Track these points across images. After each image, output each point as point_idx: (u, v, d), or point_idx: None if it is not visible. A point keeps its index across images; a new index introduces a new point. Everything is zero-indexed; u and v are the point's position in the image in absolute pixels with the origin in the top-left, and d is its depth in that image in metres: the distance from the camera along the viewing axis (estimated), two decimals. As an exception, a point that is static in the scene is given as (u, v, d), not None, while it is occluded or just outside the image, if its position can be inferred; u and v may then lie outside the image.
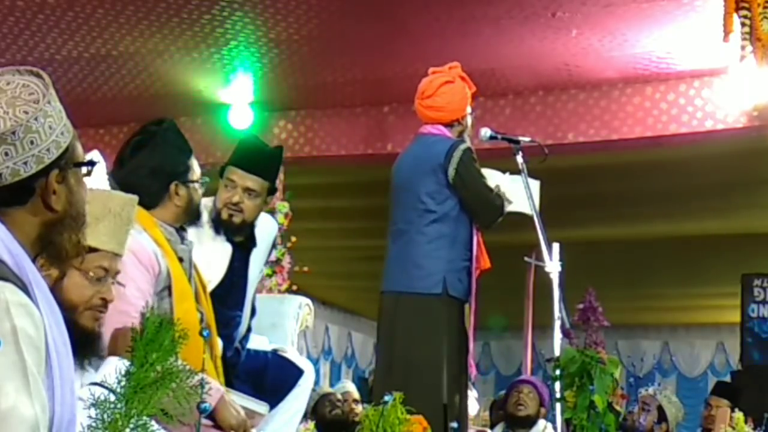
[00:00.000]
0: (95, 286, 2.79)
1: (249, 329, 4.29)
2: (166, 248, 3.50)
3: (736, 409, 4.89)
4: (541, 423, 6.29)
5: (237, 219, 4.05)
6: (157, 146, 3.54)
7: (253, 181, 4.05)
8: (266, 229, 4.37)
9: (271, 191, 4.15)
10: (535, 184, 5.30)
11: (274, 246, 4.50)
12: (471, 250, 5.01)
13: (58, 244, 2.01)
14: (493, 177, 5.19)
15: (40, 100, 1.99)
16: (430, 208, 4.99)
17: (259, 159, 4.12)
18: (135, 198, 2.98)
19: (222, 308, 3.81)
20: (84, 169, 2.06)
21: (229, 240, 4.11)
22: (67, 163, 2.02)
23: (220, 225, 4.02)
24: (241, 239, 4.14)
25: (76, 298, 2.74)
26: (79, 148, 2.06)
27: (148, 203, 3.53)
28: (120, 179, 3.56)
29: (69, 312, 2.61)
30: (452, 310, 4.98)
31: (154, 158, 3.53)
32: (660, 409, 7.14)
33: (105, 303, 2.81)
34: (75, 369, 2.61)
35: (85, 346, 2.71)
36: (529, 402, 6.30)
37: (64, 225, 2.02)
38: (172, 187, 3.56)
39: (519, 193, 5.13)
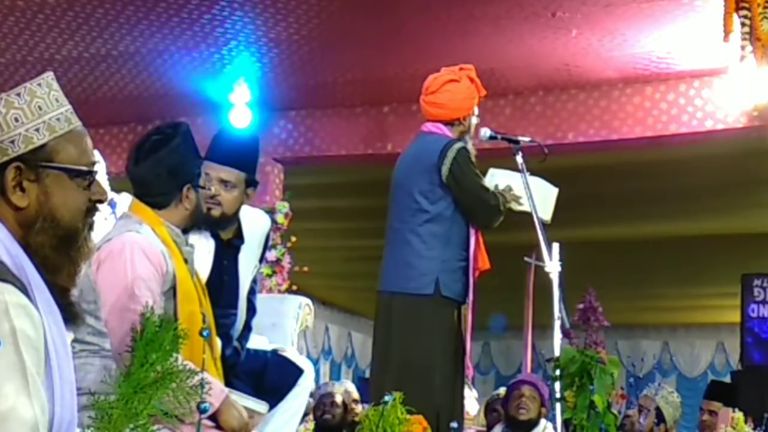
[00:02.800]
0: None
1: (249, 328, 4.28)
2: (172, 248, 3.50)
3: (737, 409, 4.88)
4: (542, 423, 6.27)
5: (216, 212, 4.02)
6: (178, 147, 3.54)
7: (226, 173, 4.03)
8: (259, 224, 4.36)
9: (251, 183, 4.12)
10: (552, 192, 5.30)
11: (267, 242, 4.46)
12: (467, 250, 5.00)
13: (33, 247, 1.96)
14: (503, 177, 5.19)
15: (12, 93, 1.98)
16: (423, 207, 4.98)
17: (231, 150, 4.10)
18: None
19: (215, 307, 3.80)
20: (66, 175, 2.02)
21: (212, 235, 4.09)
22: (40, 162, 1.98)
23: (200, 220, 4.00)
24: (229, 236, 4.13)
25: None
26: (69, 153, 2.02)
27: (160, 203, 3.53)
28: (136, 176, 3.56)
29: None
30: (446, 310, 4.96)
31: (173, 158, 3.53)
32: (658, 410, 7.13)
33: None
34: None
35: None
36: (530, 405, 6.28)
37: (35, 227, 1.98)
38: (185, 189, 3.56)
39: (535, 194, 5.12)
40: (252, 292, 4.32)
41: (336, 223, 11.43)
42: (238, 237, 4.16)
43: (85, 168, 2.04)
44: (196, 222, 3.69)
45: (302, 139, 8.96)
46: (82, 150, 2.05)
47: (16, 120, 1.96)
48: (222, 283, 4.07)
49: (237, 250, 4.16)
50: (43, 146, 1.98)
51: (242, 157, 4.11)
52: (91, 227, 2.06)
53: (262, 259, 4.41)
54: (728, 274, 10.22)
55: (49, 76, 2.05)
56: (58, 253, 1.99)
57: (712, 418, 7.17)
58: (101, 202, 2.07)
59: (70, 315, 2.00)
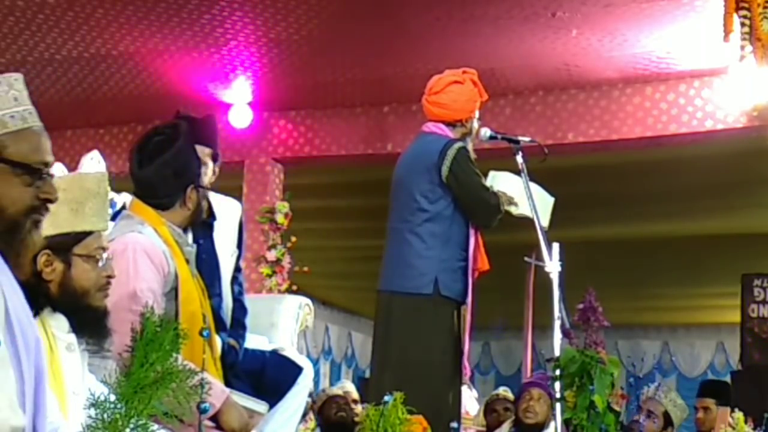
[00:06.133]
0: (98, 267, 2.84)
1: (244, 327, 4.27)
2: (174, 249, 3.50)
3: (736, 409, 4.87)
4: (552, 425, 6.23)
5: None
6: (182, 148, 3.54)
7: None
8: (230, 209, 4.37)
9: (214, 158, 4.06)
10: (549, 201, 5.31)
11: (242, 227, 4.45)
12: (467, 250, 5.01)
13: None
14: (502, 180, 5.19)
15: None
16: (423, 207, 5.00)
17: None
18: (105, 173, 2.99)
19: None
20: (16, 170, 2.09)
21: None
22: None
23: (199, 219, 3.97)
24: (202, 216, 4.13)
25: (87, 283, 2.80)
26: (20, 149, 2.09)
27: (164, 204, 3.53)
28: (141, 179, 3.56)
29: (83, 297, 2.74)
30: (445, 310, 4.97)
31: (178, 160, 3.54)
32: (666, 414, 7.13)
33: (109, 280, 2.87)
34: (95, 355, 2.71)
35: (102, 325, 2.78)
36: (538, 409, 6.26)
37: None
38: (188, 190, 3.56)
39: (534, 197, 5.11)
40: (240, 294, 4.32)
41: (336, 223, 11.43)
42: (210, 216, 4.16)
43: (32, 165, 2.11)
44: (196, 221, 3.70)
45: (302, 139, 8.96)
46: (34, 148, 2.12)
47: None
48: (201, 262, 4.06)
49: (211, 228, 4.16)
50: None
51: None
52: (36, 224, 2.12)
53: (240, 244, 4.40)
54: (728, 274, 10.22)
55: (12, 76, 2.14)
56: (2, 241, 2.07)
57: (705, 414, 7.23)
58: (50, 201, 2.15)
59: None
